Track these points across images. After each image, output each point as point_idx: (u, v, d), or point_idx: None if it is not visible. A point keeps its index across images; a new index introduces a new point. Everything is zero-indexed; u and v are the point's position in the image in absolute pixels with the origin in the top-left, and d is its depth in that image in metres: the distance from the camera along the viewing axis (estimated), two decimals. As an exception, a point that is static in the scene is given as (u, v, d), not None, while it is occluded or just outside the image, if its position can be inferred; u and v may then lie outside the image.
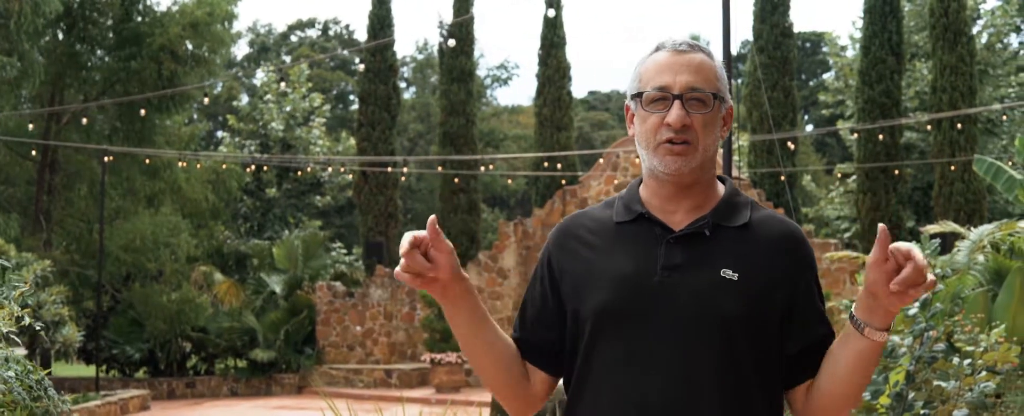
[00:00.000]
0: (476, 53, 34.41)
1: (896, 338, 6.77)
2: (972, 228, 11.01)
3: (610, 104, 60.46)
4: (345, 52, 50.05)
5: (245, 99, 38.74)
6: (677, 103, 2.45)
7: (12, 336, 3.70)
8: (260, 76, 36.32)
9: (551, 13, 28.31)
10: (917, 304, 6.56)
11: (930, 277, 2.21)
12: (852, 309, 2.40)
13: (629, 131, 2.61)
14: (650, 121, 2.49)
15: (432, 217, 2.39)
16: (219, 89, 29.51)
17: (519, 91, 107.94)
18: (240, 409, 20.96)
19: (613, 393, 2.45)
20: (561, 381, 2.65)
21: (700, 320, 2.41)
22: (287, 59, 51.61)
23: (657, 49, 2.56)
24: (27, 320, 3.72)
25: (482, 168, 29.36)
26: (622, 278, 2.47)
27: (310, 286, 25.09)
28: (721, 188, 2.60)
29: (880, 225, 2.23)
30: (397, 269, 2.38)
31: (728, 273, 2.43)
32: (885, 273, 2.24)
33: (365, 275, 26.21)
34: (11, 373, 3.50)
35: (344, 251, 29.49)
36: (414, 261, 2.35)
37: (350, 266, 28.10)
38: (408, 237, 2.35)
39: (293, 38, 58.09)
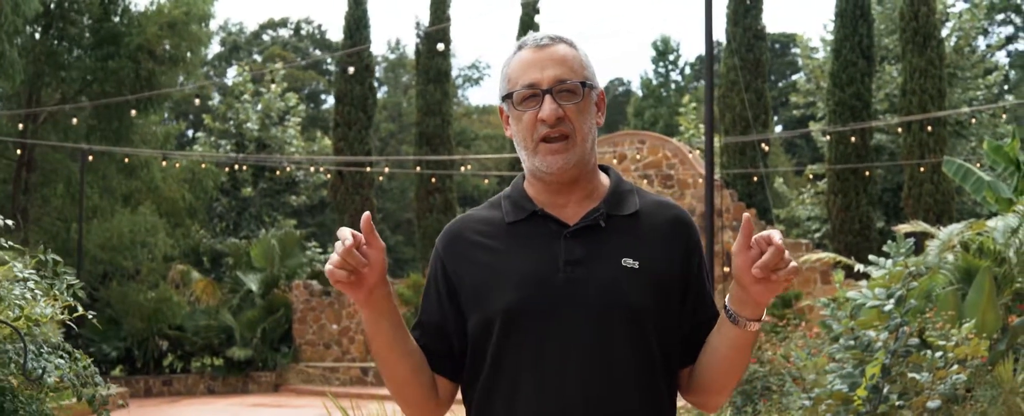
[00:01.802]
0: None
1: (872, 333, 7.04)
2: (942, 228, 11.29)
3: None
4: (324, 55, 50.09)
5: (217, 98, 38.75)
6: (548, 97, 2.46)
7: (70, 324, 3.92)
8: (233, 75, 36.41)
9: (540, 20, 28.53)
10: (892, 301, 6.83)
11: (792, 264, 2.23)
12: (726, 300, 2.41)
13: (507, 133, 2.59)
14: (524, 120, 2.48)
15: (366, 214, 2.36)
16: (190, 88, 29.52)
17: (490, 91, 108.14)
18: (217, 407, 21.07)
19: (529, 393, 2.42)
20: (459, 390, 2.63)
21: (610, 311, 2.41)
22: (258, 58, 51.56)
23: (520, 48, 2.56)
24: (80, 310, 3.94)
25: (462, 168, 29.56)
26: (525, 277, 2.45)
27: (287, 285, 25.23)
28: (605, 178, 2.61)
29: (744, 214, 2.24)
30: (329, 266, 2.32)
31: (629, 262, 2.45)
32: (749, 260, 2.27)
33: (341, 274, 26.34)
34: (61, 360, 3.72)
35: (319, 250, 29.64)
36: (351, 256, 2.28)
37: (325, 265, 28.26)
38: (345, 231, 2.31)
39: (265, 37, 58.04)
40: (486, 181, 41.98)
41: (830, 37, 31.00)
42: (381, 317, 2.43)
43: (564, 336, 2.41)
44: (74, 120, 24.52)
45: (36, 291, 3.87)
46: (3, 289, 3.69)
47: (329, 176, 29.50)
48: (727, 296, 2.42)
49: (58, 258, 3.97)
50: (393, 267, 25.94)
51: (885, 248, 8.31)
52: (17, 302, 3.68)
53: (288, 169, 31.42)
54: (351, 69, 28.28)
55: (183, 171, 27.03)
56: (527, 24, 29.05)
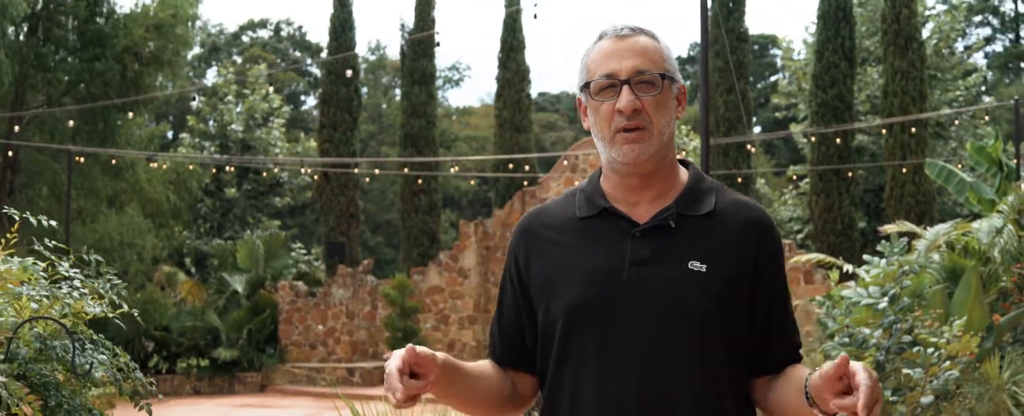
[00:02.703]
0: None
1: (866, 330, 7.21)
2: (928, 228, 11.48)
3: (560, 105, 60.81)
4: (315, 60, 50.11)
5: (197, 100, 38.75)
6: (626, 88, 2.41)
7: (118, 321, 4.05)
8: (213, 76, 36.39)
9: (532, 18, 28.68)
10: (887, 299, 6.98)
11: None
12: (807, 384, 2.29)
13: (584, 125, 2.56)
14: (602, 110, 2.45)
15: (409, 347, 2.24)
16: (182, 91, 29.55)
17: (470, 92, 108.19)
18: (204, 407, 21.11)
19: (589, 391, 2.41)
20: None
21: (671, 314, 2.38)
22: (238, 59, 51.50)
23: (600, 38, 2.52)
24: (125, 307, 4.07)
25: (452, 169, 29.70)
26: (591, 275, 2.43)
27: (272, 286, 25.27)
28: (684, 174, 2.57)
29: (842, 354, 2.15)
30: (390, 398, 2.20)
31: (696, 265, 2.40)
32: (834, 388, 2.16)
33: (326, 275, 26.45)
34: (103, 356, 3.85)
35: (303, 251, 29.70)
36: (410, 387, 2.19)
37: (310, 266, 28.33)
38: (393, 368, 2.20)
39: (245, 38, 57.97)
40: (472, 183, 42.08)
41: (811, 39, 31.22)
42: (451, 391, 2.41)
43: (625, 336, 2.39)
44: (70, 123, 24.52)
45: (82, 290, 4.01)
46: (53, 288, 3.82)
47: (316, 178, 29.59)
48: (808, 379, 2.29)
49: (100, 258, 4.10)
50: (374, 268, 26.03)
51: (879, 248, 8.47)
52: (66, 300, 3.82)
53: (275, 171, 31.47)
54: (349, 72, 28.41)
55: (167, 172, 27.08)
56: (511, 25, 29.20)
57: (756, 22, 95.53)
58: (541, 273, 2.51)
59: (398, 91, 53.99)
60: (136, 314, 4.19)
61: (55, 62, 25.41)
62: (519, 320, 2.57)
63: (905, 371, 6.76)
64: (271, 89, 32.56)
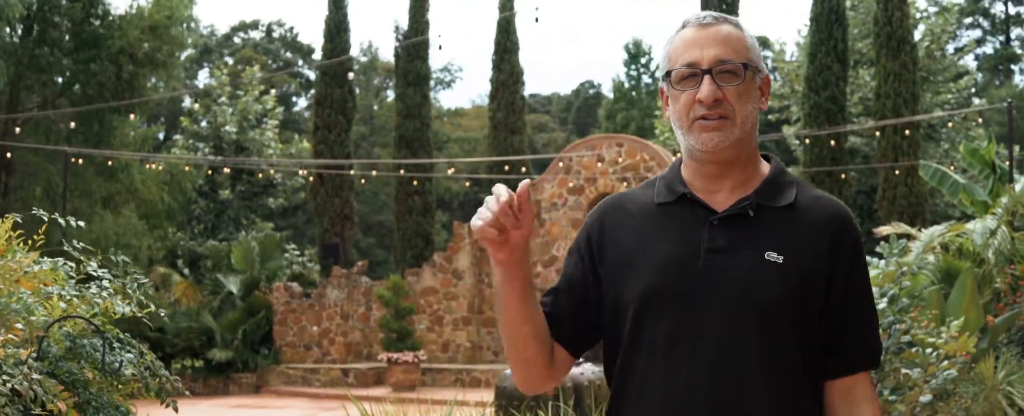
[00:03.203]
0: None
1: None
2: (922, 230, 11.59)
3: (550, 107, 60.91)
4: (314, 63, 50.05)
5: (188, 100, 38.71)
6: (707, 78, 2.38)
7: (145, 321, 4.14)
8: (205, 77, 36.39)
9: (535, 18, 28.74)
10: (885, 300, 7.08)
11: None
12: None
13: (665, 114, 2.52)
14: (682, 100, 2.42)
15: (525, 182, 2.28)
16: (177, 93, 29.60)
17: (461, 94, 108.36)
18: (199, 408, 21.13)
19: (659, 376, 2.39)
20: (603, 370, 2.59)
21: (744, 304, 2.34)
22: (229, 60, 51.51)
23: (683, 26, 2.49)
24: (152, 307, 4.16)
25: (449, 171, 29.77)
26: (666, 261, 2.41)
27: (267, 287, 25.31)
28: (766, 166, 2.54)
29: None
30: (478, 221, 2.30)
31: (772, 256, 2.36)
32: None
33: (321, 276, 26.51)
34: (130, 355, 3.93)
35: (297, 252, 29.75)
36: (506, 214, 2.27)
37: (304, 267, 28.39)
38: (501, 188, 2.29)
39: (237, 40, 57.96)
40: (467, 184, 42.14)
41: (803, 41, 31.32)
42: (515, 278, 2.38)
43: (696, 324, 2.36)
44: (72, 124, 24.54)
45: (110, 289, 4.10)
46: (82, 288, 3.91)
47: (311, 179, 29.66)
48: None
49: (127, 259, 4.18)
50: (367, 269, 26.11)
51: (878, 249, 8.57)
52: (96, 300, 3.91)
53: (271, 172, 31.52)
54: (351, 75, 28.47)
55: (161, 174, 27.13)
56: (505, 27, 29.30)
57: (748, 24, 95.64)
58: (616, 257, 2.49)
59: (390, 92, 54.21)
60: (163, 313, 4.27)
61: (50, 63, 25.44)
62: (576, 298, 2.54)
63: (904, 371, 6.86)
64: (274, 92, 32.59)
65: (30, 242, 4.45)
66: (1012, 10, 50.40)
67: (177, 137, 33.15)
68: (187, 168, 27.81)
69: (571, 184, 23.12)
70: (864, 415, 2.45)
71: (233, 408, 21.07)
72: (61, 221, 4.40)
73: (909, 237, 11.73)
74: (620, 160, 22.73)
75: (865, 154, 29.54)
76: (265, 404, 21.50)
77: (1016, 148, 19.47)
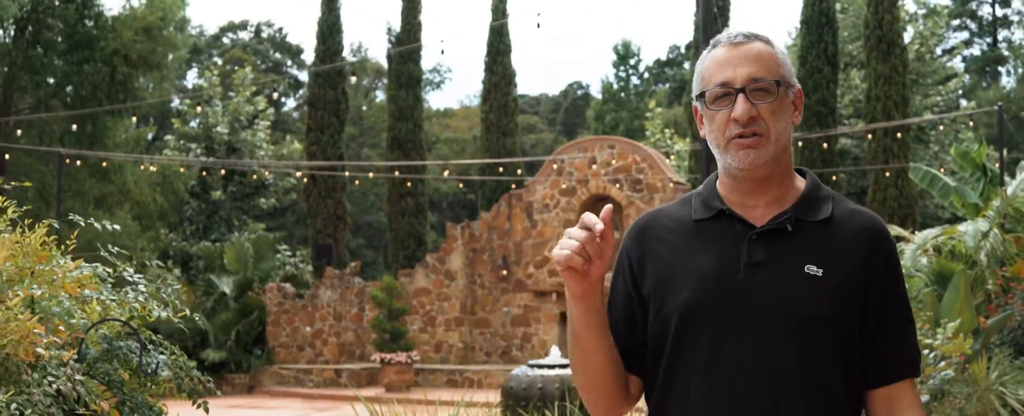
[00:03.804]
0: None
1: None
2: (915, 232, 11.73)
3: (539, 108, 60.97)
4: (290, 60, 50.11)
5: (177, 101, 38.69)
6: (741, 96, 2.40)
7: (181, 325, 4.25)
8: (194, 78, 36.39)
9: (536, 24, 28.86)
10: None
11: None
12: None
13: (700, 133, 2.54)
14: (718, 119, 2.44)
15: (609, 207, 2.31)
16: (173, 95, 29.65)
17: (450, 95, 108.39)
18: (193, 408, 21.17)
19: (701, 391, 2.40)
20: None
21: (785, 318, 2.36)
22: (218, 60, 51.46)
23: (714, 46, 2.50)
24: (187, 312, 4.28)
25: (445, 172, 29.85)
26: (705, 276, 2.42)
27: (260, 287, 25.38)
28: (801, 182, 2.55)
29: None
30: (563, 251, 2.30)
31: (812, 269, 2.38)
32: None
33: (314, 277, 26.59)
34: (163, 357, 4.05)
35: (289, 253, 29.79)
36: (593, 244, 2.28)
37: (297, 268, 28.45)
38: (592, 217, 2.29)
39: (226, 40, 57.89)
40: (461, 185, 42.17)
41: (793, 43, 31.47)
42: (593, 312, 2.40)
43: (738, 339, 2.38)
44: (72, 126, 24.55)
45: (145, 293, 4.21)
46: (119, 292, 4.02)
47: (305, 180, 29.72)
48: None
49: (161, 263, 4.29)
50: (359, 271, 26.19)
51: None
52: (133, 304, 4.02)
53: (265, 173, 31.57)
54: (353, 79, 28.61)
55: (154, 175, 27.17)
56: (497, 29, 29.41)
57: (740, 27, 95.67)
58: (655, 274, 2.50)
59: (379, 93, 54.26)
60: (198, 318, 4.38)
61: (44, 64, 25.46)
62: (631, 324, 2.55)
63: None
64: (273, 96, 32.65)
65: (64, 247, 4.56)
66: (999, 12, 50.68)
67: (168, 137, 33.18)
68: (182, 169, 27.85)
69: (564, 186, 23.22)
70: None
71: (226, 409, 21.11)
72: (96, 226, 4.51)
73: (900, 239, 11.86)
74: (612, 162, 22.85)
75: (855, 156, 29.70)
76: (258, 404, 21.57)
77: (1006, 151, 19.60)
